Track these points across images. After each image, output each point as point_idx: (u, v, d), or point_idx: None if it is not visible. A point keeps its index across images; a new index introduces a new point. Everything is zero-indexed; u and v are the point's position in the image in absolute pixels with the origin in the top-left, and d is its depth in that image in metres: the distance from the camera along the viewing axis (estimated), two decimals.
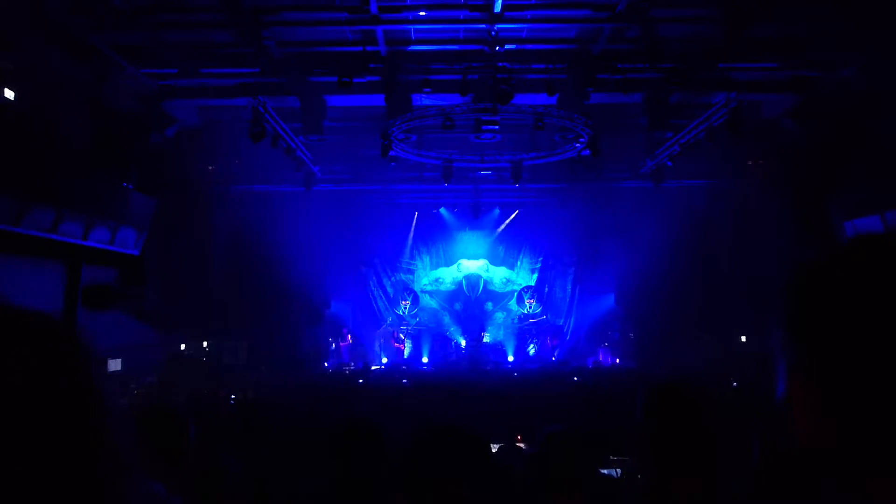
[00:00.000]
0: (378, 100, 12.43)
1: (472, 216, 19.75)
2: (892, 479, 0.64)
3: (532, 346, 21.06)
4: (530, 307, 21.76)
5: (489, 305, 22.03)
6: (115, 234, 13.32)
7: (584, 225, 20.00)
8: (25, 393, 0.69)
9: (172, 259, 15.82)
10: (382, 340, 20.72)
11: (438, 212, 21.00)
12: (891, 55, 10.38)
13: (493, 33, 10.61)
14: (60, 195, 11.28)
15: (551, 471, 2.28)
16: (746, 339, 16.41)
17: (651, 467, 1.87)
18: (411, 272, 22.24)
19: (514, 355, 20.20)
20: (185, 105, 13.63)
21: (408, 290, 22.00)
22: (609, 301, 20.63)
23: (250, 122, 12.02)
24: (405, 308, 21.72)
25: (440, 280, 22.41)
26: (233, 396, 11.74)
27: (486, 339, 20.77)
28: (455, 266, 22.35)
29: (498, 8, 9.92)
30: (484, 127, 13.33)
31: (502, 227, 21.45)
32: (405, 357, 20.34)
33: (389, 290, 21.88)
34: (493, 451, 4.87)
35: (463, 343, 20.85)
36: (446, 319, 21.83)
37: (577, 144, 14.02)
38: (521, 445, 5.47)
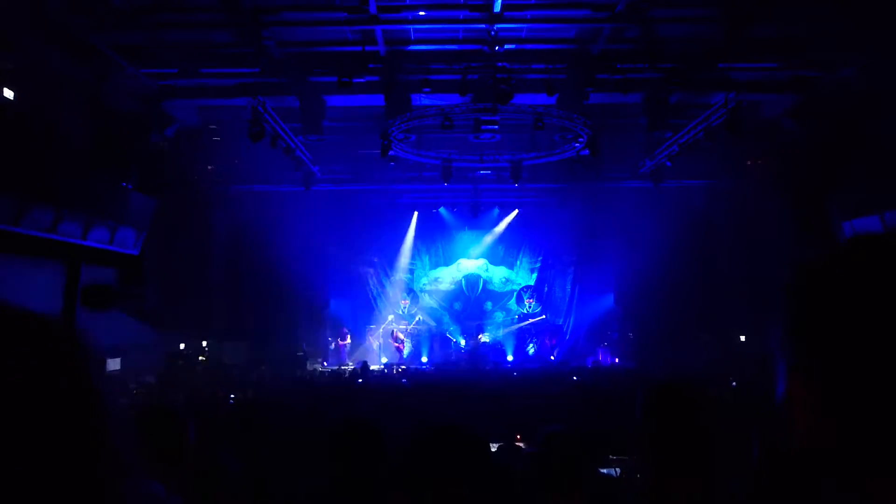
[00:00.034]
0: (378, 100, 12.43)
1: (472, 216, 19.75)
2: (892, 479, 0.64)
3: (531, 345, 21.07)
4: (530, 307, 21.76)
5: (489, 305, 22.03)
6: (114, 234, 13.32)
7: (583, 225, 20.01)
8: (25, 393, 0.69)
9: (172, 259, 15.83)
10: (382, 340, 20.73)
11: (438, 211, 21.01)
12: (891, 55, 10.38)
13: (492, 33, 10.61)
14: (60, 195, 11.28)
15: (551, 470, 2.28)
16: (746, 339, 16.42)
17: (650, 467, 1.87)
18: (411, 272, 22.24)
19: (514, 355, 20.21)
20: (185, 105, 13.63)
21: (407, 290, 22.01)
22: (608, 301, 20.64)
23: (250, 122, 12.03)
24: (405, 308, 21.73)
25: (439, 279, 22.42)
26: (232, 396, 11.73)
27: (486, 338, 20.78)
28: (454, 265, 22.36)
29: (497, 8, 9.92)
30: (483, 127, 13.34)
31: (501, 225, 21.41)
32: (405, 357, 20.34)
33: (389, 289, 21.88)
34: (493, 450, 4.87)
35: (462, 343, 20.86)
36: (446, 319, 21.84)
37: (577, 144, 14.03)
38: (521, 445, 5.47)
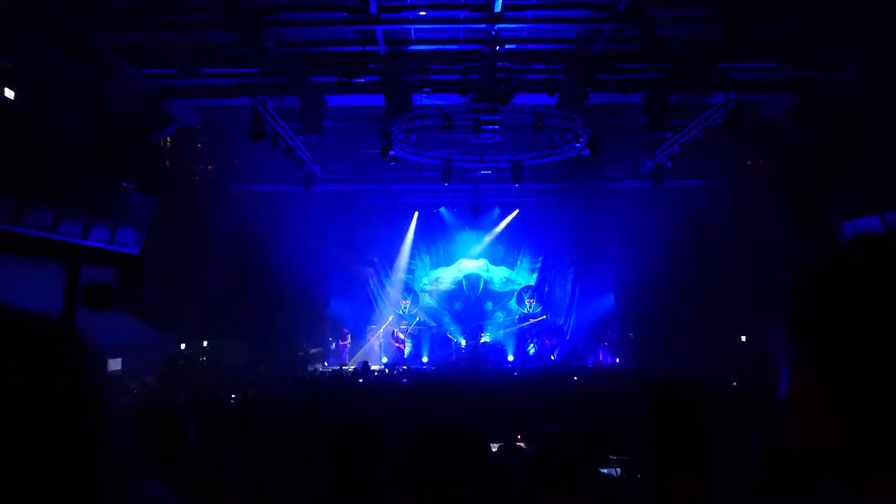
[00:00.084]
0: (378, 99, 12.43)
1: (472, 216, 19.75)
2: (892, 479, 0.64)
3: (532, 345, 21.07)
4: (530, 307, 21.76)
5: (489, 305, 22.04)
6: (114, 234, 13.31)
7: (584, 225, 20.01)
8: (25, 393, 0.69)
9: (172, 259, 15.83)
10: (382, 340, 20.74)
11: (438, 211, 21.01)
12: (891, 55, 10.38)
13: (493, 33, 10.61)
14: (60, 195, 11.28)
15: (551, 470, 2.28)
16: (746, 339, 16.42)
17: (650, 467, 1.87)
18: (411, 272, 22.25)
19: (514, 355, 20.21)
20: (185, 105, 13.63)
21: (408, 290, 22.02)
22: (609, 301, 20.64)
23: (250, 121, 12.03)
24: (405, 308, 21.73)
25: (440, 279, 22.42)
26: (233, 396, 11.73)
27: (486, 338, 20.78)
28: (455, 265, 22.36)
29: (498, 8, 9.92)
30: (484, 127, 13.34)
31: (501, 225, 21.42)
32: (405, 357, 20.35)
33: (389, 289, 21.89)
34: (493, 450, 4.87)
35: (463, 343, 20.86)
36: (446, 319, 21.85)
37: (577, 144, 14.02)
38: (521, 445, 5.47)
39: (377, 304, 21.70)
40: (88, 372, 0.75)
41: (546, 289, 22.08)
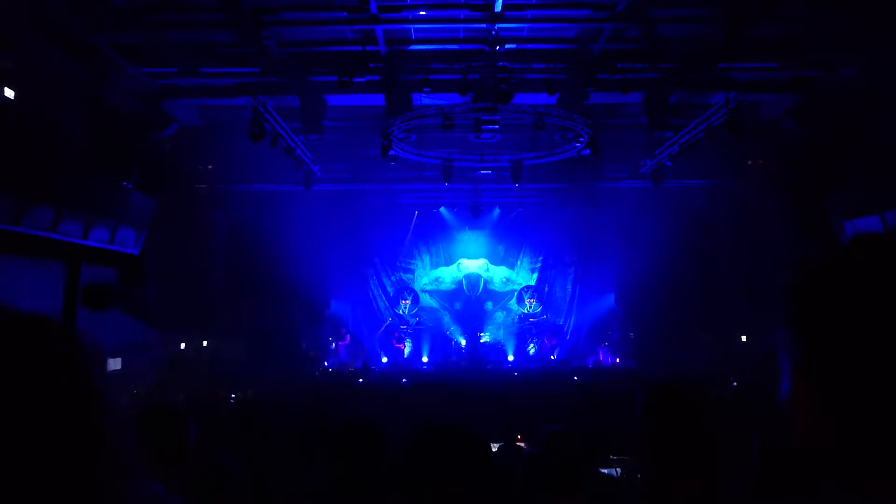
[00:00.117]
0: (378, 99, 12.43)
1: (472, 216, 19.75)
2: (892, 479, 0.64)
3: (532, 345, 21.06)
4: (530, 307, 21.76)
5: (489, 305, 22.03)
6: (114, 234, 13.32)
7: (584, 225, 20.00)
8: (26, 394, 0.69)
9: (172, 259, 15.82)
10: (382, 340, 20.74)
11: (438, 211, 21.01)
12: (891, 55, 10.37)
13: (493, 33, 10.61)
14: (60, 195, 11.28)
15: (551, 470, 2.28)
16: (746, 339, 16.42)
17: (651, 467, 1.87)
18: (411, 272, 22.25)
19: (514, 355, 20.21)
20: (185, 105, 13.63)
21: (408, 290, 22.01)
22: (609, 301, 20.63)
23: (250, 121, 12.02)
24: (405, 308, 21.73)
25: (440, 279, 22.42)
26: (233, 396, 11.75)
27: (486, 338, 20.78)
28: (455, 265, 22.35)
29: (498, 7, 9.92)
30: (484, 126, 13.34)
31: (494, 217, 21.38)
32: (405, 357, 20.35)
33: (389, 289, 21.89)
34: (493, 450, 4.87)
35: (463, 343, 20.86)
36: (446, 319, 21.84)
37: (577, 144, 14.02)
38: (521, 445, 5.47)
39: (377, 304, 21.70)
40: (88, 372, 0.75)
41: (546, 289, 22.07)
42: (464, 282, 22.22)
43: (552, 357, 20.19)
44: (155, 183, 14.34)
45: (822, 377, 0.69)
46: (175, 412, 2.54)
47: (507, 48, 11.37)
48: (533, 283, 22.10)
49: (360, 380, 14.30)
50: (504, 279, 22.33)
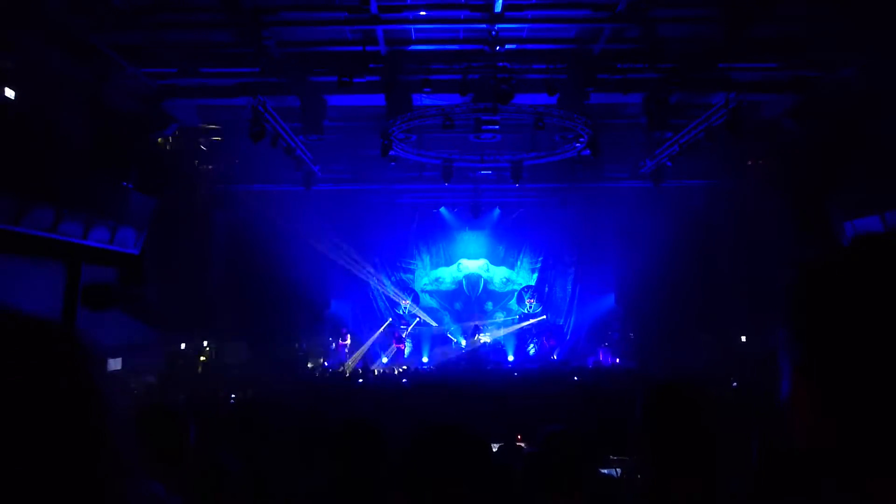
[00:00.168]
0: (378, 99, 12.43)
1: (472, 216, 19.75)
2: (892, 479, 0.64)
3: (532, 345, 21.07)
4: (530, 307, 21.77)
5: (489, 305, 22.04)
6: (114, 234, 13.32)
7: (584, 225, 20.01)
8: (25, 394, 0.69)
9: (172, 259, 15.83)
10: (382, 340, 20.74)
11: (438, 211, 21.01)
12: (891, 55, 10.38)
13: (493, 33, 10.61)
14: (60, 195, 11.28)
15: (551, 471, 2.28)
16: (746, 339, 16.42)
17: (651, 467, 1.86)
18: (411, 272, 22.24)
19: (515, 355, 20.21)
20: (185, 105, 13.63)
21: (408, 290, 22.01)
22: (609, 301, 20.64)
23: (250, 121, 12.02)
24: (405, 308, 21.73)
25: (440, 280, 22.42)
26: (233, 396, 11.74)
27: (486, 339, 20.78)
28: (455, 266, 22.36)
29: (498, 8, 9.92)
30: (484, 127, 13.35)
31: (495, 218, 21.40)
32: (405, 357, 20.35)
33: (390, 289, 21.90)
34: (493, 450, 4.87)
35: (463, 343, 20.87)
36: (446, 319, 21.84)
37: (577, 144, 14.02)
38: (521, 445, 5.47)
39: (377, 304, 21.70)
40: (88, 372, 0.75)
41: (546, 289, 22.08)
42: (464, 282, 22.23)
43: (552, 357, 20.20)
44: (155, 183, 14.35)
45: (822, 377, 0.69)
46: (175, 412, 2.54)
47: (508, 48, 11.37)
48: (533, 283, 22.12)
49: (360, 380, 14.30)
50: (504, 279, 22.34)
